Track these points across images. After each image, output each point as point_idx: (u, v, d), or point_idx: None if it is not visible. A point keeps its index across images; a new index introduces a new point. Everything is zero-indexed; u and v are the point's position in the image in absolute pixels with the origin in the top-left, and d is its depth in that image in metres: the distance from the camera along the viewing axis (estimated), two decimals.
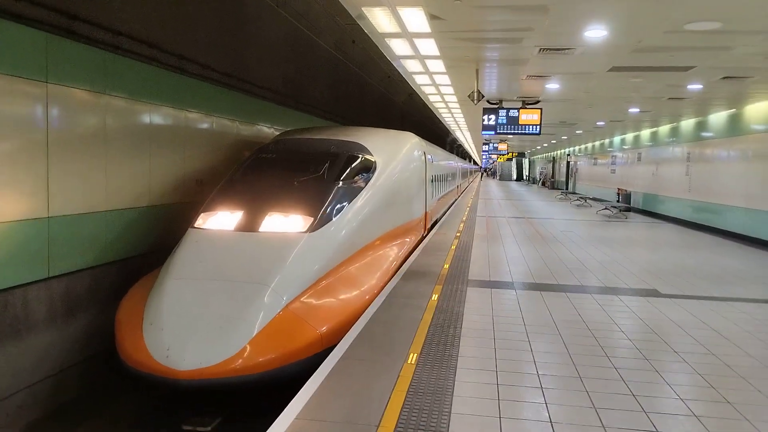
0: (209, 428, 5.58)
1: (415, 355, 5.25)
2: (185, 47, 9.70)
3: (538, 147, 44.59)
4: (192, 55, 9.90)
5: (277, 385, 5.62)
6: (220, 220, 7.51)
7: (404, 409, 4.08)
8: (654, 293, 8.23)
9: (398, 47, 8.85)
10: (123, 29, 8.09)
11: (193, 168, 10.09)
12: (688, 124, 18.61)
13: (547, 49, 8.45)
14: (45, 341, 6.73)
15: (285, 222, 7.35)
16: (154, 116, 8.93)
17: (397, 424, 3.85)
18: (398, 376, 4.72)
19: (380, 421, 3.90)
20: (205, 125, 10.53)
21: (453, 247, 11.89)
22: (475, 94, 10.84)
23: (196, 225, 7.52)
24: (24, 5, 6.38)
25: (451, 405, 4.19)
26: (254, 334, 5.73)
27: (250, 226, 7.27)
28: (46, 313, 6.79)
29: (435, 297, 7.49)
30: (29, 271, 6.58)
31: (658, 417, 4.11)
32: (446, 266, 9.68)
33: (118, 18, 8.01)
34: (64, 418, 6.75)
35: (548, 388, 4.59)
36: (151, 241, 8.82)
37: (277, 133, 12.86)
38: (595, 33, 7.40)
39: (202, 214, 7.69)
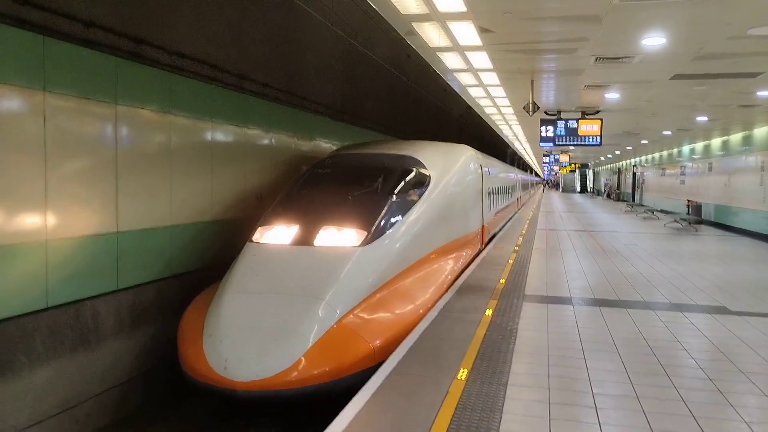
0: None
1: (466, 370, 5.20)
2: (244, 66, 10.05)
3: (602, 158, 43.41)
4: (251, 73, 10.25)
5: (333, 398, 5.68)
6: (277, 234, 7.69)
7: (452, 425, 4.05)
8: (723, 310, 7.85)
9: (451, 61, 8.87)
10: (186, 51, 8.48)
11: (253, 183, 10.40)
12: (761, 132, 17.71)
13: (604, 59, 8.28)
14: (113, 351, 7.06)
15: (339, 236, 7.46)
16: (216, 133, 9.28)
17: None
18: (447, 391, 4.69)
19: None
20: (264, 141, 10.85)
21: (510, 262, 11.71)
22: (531, 105, 10.70)
23: (253, 239, 7.73)
24: (95, 32, 6.80)
25: (500, 422, 4.13)
26: (308, 347, 5.82)
27: (305, 240, 7.41)
28: (114, 324, 7.12)
29: (489, 312, 7.40)
30: (99, 283, 6.95)
31: None
32: (502, 281, 9.55)
33: (181, 41, 8.40)
34: (129, 425, 7.05)
35: (603, 408, 4.45)
36: (213, 255, 9.12)
37: (334, 147, 13.08)
38: (653, 41, 7.20)
39: (259, 229, 7.91)
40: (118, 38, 7.19)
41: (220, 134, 9.39)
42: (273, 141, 11.16)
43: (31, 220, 6.01)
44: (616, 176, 48.01)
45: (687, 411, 4.40)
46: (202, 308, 6.87)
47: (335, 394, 5.65)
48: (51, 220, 6.22)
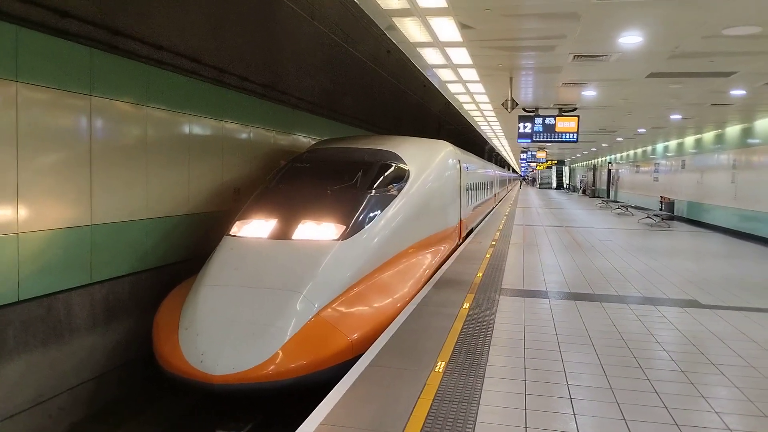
0: None
1: (443, 363, 5.24)
2: (223, 60, 9.95)
3: (578, 155, 43.90)
4: (230, 67, 10.15)
5: (309, 391, 5.68)
6: (255, 227, 7.65)
7: (429, 417, 4.09)
8: (694, 304, 8.01)
9: (431, 57, 8.89)
10: (164, 43, 8.36)
11: (230, 177, 10.32)
12: (733, 130, 18.08)
13: (582, 56, 8.36)
14: (86, 345, 6.96)
15: (318, 230, 7.44)
16: (194, 127, 9.18)
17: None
18: (425, 384, 4.73)
19: (404, 428, 3.91)
20: (242, 135, 10.77)
21: (487, 256, 11.81)
22: (509, 102, 10.78)
23: (231, 233, 7.68)
24: (69, 21, 6.68)
25: (477, 413, 4.18)
26: (286, 341, 5.81)
27: (283, 233, 7.38)
28: (88, 318, 7.03)
29: (466, 306, 7.46)
30: (72, 276, 6.84)
31: (690, 431, 4.01)
32: (479, 275, 9.63)
33: (159, 33, 8.29)
34: (104, 419, 6.97)
35: (578, 399, 4.52)
36: (190, 248, 9.04)
37: (314, 142, 13.03)
38: (630, 39, 7.29)
39: (237, 222, 7.86)
40: (93, 29, 7.07)
41: (197, 127, 9.30)
42: (251, 135, 11.08)
43: (2, 213, 5.89)
44: (592, 173, 48.61)
45: (660, 402, 4.50)
46: (178, 302, 6.81)
47: (313, 387, 5.65)
48: (23, 212, 6.11)
